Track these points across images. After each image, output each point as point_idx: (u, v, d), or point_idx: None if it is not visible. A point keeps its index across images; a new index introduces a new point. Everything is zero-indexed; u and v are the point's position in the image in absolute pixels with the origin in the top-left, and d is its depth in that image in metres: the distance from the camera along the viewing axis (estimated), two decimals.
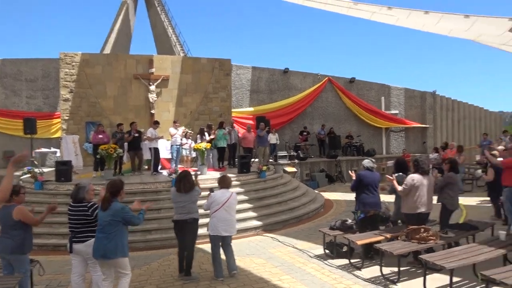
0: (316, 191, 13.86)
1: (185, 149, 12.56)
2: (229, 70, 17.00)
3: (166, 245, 7.84)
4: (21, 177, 11.12)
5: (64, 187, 9.70)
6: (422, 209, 5.95)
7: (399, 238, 6.04)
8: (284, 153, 16.89)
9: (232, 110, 17.22)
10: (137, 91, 15.49)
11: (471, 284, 5.08)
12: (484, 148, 13.44)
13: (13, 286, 4.02)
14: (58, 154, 15.63)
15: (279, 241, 7.97)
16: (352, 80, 20.68)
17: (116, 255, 4.39)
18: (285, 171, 14.75)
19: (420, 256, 5.24)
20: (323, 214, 10.95)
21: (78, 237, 4.64)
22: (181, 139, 12.30)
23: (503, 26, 8.04)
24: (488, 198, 9.85)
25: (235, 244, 6.13)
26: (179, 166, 12.01)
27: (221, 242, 5.83)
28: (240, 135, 15.05)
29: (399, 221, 6.90)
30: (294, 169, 15.73)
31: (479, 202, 11.20)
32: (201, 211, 7.43)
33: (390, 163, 15.97)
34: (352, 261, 6.27)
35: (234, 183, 9.94)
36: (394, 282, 5.33)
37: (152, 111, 15.41)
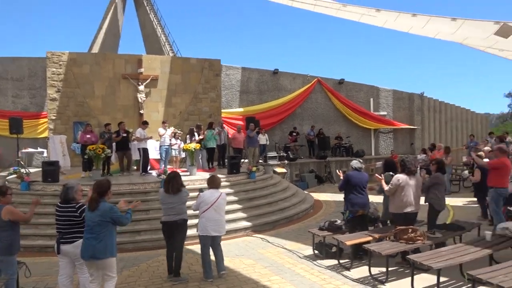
0: (306, 192, 13.90)
1: (174, 149, 12.49)
2: (218, 71, 16.97)
3: (155, 246, 7.79)
4: (7, 178, 10.94)
5: (51, 188, 9.56)
6: (409, 209, 6.02)
7: (387, 238, 6.10)
8: (273, 153, 16.91)
9: (222, 110, 17.20)
10: (126, 91, 15.37)
11: (458, 284, 5.13)
12: (470, 150, 13.65)
13: None
14: (45, 154, 15.44)
15: (269, 242, 7.97)
16: (341, 82, 20.82)
17: (106, 255, 4.36)
18: (275, 172, 14.76)
19: (408, 256, 5.30)
20: (312, 215, 10.99)
21: (66, 238, 4.58)
22: (170, 140, 12.23)
23: (488, 29, 8.18)
24: (475, 199, 9.99)
25: (224, 245, 6.12)
26: (168, 166, 11.94)
27: (211, 242, 5.81)
28: (230, 135, 15.04)
29: (388, 221, 6.96)
30: (284, 170, 15.76)
31: (466, 203, 11.36)
32: (190, 211, 7.42)
33: (379, 164, 16.13)
34: (341, 261, 6.30)
35: (223, 183, 9.91)
36: (382, 282, 5.37)
37: (141, 111, 15.30)
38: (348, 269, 6.03)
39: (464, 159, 13.48)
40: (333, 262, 6.38)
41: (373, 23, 11.81)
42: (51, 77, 14.61)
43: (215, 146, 12.98)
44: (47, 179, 9.86)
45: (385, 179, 6.36)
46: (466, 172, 12.36)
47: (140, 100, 15.24)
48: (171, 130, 12.42)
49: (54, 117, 14.61)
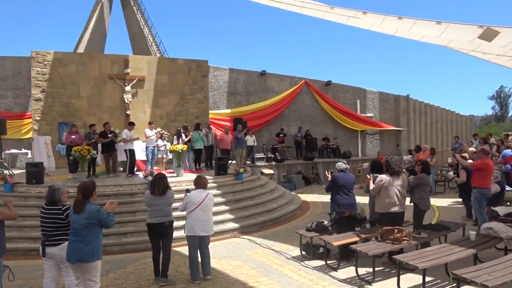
0: (293, 193, 13.94)
1: (161, 150, 12.39)
2: (206, 72, 16.92)
3: (142, 248, 7.69)
4: None
5: (36, 190, 9.38)
6: (394, 209, 6.10)
7: (374, 239, 6.16)
8: (261, 155, 16.93)
9: (209, 111, 17.14)
10: (112, 92, 15.20)
11: (443, 283, 5.20)
12: (455, 151, 13.87)
13: None
14: (29, 156, 15.17)
15: (256, 243, 7.97)
16: (328, 83, 20.95)
17: (93, 258, 4.31)
18: (262, 173, 14.77)
19: (394, 256, 5.35)
20: (300, 216, 11.02)
21: (51, 241, 4.51)
22: (157, 141, 12.14)
23: (472, 33, 8.33)
24: (460, 200, 10.15)
25: (212, 246, 6.08)
26: (154, 168, 11.84)
27: (199, 243, 5.77)
28: (217, 137, 15.00)
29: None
30: (271, 171, 15.78)
31: (451, 203, 11.53)
32: (176, 213, 7.37)
33: (366, 165, 16.28)
34: (328, 262, 6.33)
35: (211, 185, 9.87)
36: (369, 282, 5.41)
37: (128, 112, 15.16)
38: (335, 269, 6.06)
39: (449, 160, 13.69)
40: (321, 262, 6.41)
41: (360, 25, 11.93)
42: (36, 77, 14.37)
43: (202, 147, 12.92)
44: (31, 180, 9.67)
45: (374, 180, 6.44)
46: (451, 173, 12.53)
47: (126, 101, 15.10)
48: (157, 130, 12.31)
49: (38, 118, 14.37)
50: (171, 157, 12.62)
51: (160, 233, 5.75)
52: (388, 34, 12.20)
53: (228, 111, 18.23)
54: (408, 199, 6.53)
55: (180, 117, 15.99)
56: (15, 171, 12.34)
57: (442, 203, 11.61)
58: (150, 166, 11.69)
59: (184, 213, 5.97)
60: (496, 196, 8.07)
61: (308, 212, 11.54)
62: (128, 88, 15.11)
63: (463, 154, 9.55)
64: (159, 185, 5.74)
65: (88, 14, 27.35)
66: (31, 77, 14.52)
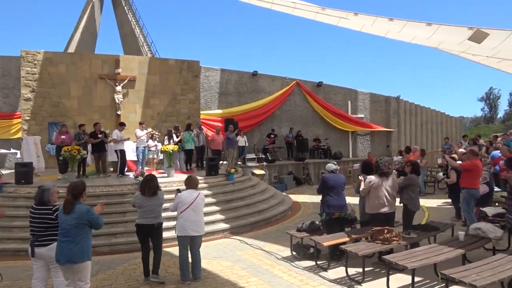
0: (284, 194, 13.96)
1: (151, 151, 12.32)
2: (197, 72, 16.87)
3: (132, 249, 7.63)
4: None
5: (25, 190, 9.27)
6: (384, 209, 6.14)
7: (364, 239, 6.19)
8: (252, 155, 16.92)
9: (201, 112, 17.09)
10: (103, 92, 15.08)
11: (432, 283, 5.25)
12: (444, 152, 14.01)
13: None
14: (18, 156, 14.99)
15: (247, 244, 7.96)
16: (319, 84, 21.02)
17: (83, 259, 4.27)
18: (253, 174, 14.77)
19: (383, 256, 5.38)
20: (291, 216, 11.03)
21: (40, 241, 4.46)
22: (147, 141, 12.07)
23: (462, 35, 8.42)
24: (449, 200, 10.25)
25: (202, 247, 6.06)
26: (145, 168, 11.77)
27: (190, 243, 5.74)
28: (208, 137, 14.97)
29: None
30: (262, 172, 15.78)
31: (440, 204, 11.64)
32: (167, 214, 7.34)
33: (356, 165, 16.36)
34: (318, 262, 6.34)
35: (202, 185, 9.85)
36: (359, 283, 5.43)
37: (118, 112, 15.05)
38: (325, 270, 6.07)
39: (439, 161, 13.82)
40: (311, 263, 6.42)
41: (351, 27, 12.00)
42: (26, 77, 14.20)
43: (193, 148, 12.87)
44: (20, 181, 9.55)
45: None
46: (441, 174, 12.68)
47: (117, 101, 14.99)
48: (147, 131, 12.25)
49: (28, 118, 14.20)
50: (162, 157, 12.56)
51: (149, 234, 5.73)
52: (379, 36, 12.29)
53: (220, 111, 18.20)
54: (398, 200, 6.58)
55: (171, 117, 15.92)
56: (4, 171, 12.18)
57: (432, 203, 11.71)
58: (140, 167, 11.62)
59: (175, 213, 5.95)
60: (485, 196, 8.17)
61: (299, 212, 11.56)
62: (119, 88, 15.00)
63: (453, 155, 9.66)
64: (149, 186, 5.71)
65: (79, 14, 27.14)
66: (20, 77, 14.34)
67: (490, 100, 63.05)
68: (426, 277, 5.34)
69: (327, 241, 6.10)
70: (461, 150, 10.91)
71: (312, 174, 18.19)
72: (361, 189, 6.33)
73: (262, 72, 19.73)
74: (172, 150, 11.42)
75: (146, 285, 5.69)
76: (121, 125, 11.75)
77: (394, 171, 12.45)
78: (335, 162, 7.17)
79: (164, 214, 6.31)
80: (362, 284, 5.40)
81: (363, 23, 10.87)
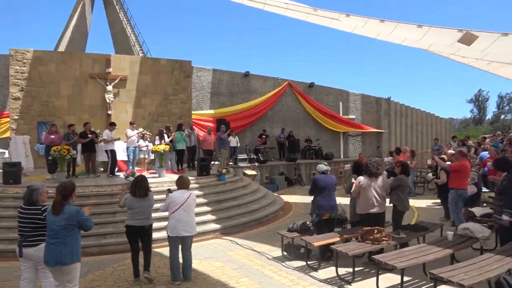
0: (276, 194, 13.97)
1: (142, 151, 12.25)
2: (189, 72, 16.83)
3: (122, 250, 7.56)
4: None
5: (13, 190, 9.14)
6: (373, 210, 6.19)
7: (354, 239, 6.22)
8: (244, 156, 16.92)
9: (192, 112, 17.05)
10: (93, 91, 14.97)
11: (421, 283, 5.29)
12: (434, 153, 14.16)
13: None
14: (6, 155, 14.75)
15: (238, 244, 7.95)
16: (311, 85, 21.10)
17: (73, 260, 4.22)
18: (245, 174, 14.77)
19: (373, 256, 5.41)
20: (282, 217, 11.05)
21: (29, 241, 4.40)
22: (138, 141, 11.99)
23: (452, 37, 8.51)
24: (438, 201, 10.35)
25: (193, 247, 6.02)
26: (136, 168, 11.70)
27: (181, 244, 5.72)
28: (200, 137, 14.93)
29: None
30: (254, 172, 15.79)
31: (430, 205, 11.75)
32: (158, 214, 7.30)
33: (347, 166, 16.46)
34: (309, 262, 6.36)
35: (193, 185, 9.82)
36: (349, 282, 5.46)
37: (109, 112, 14.95)
38: (315, 270, 6.09)
39: (429, 162, 13.95)
40: (302, 263, 6.43)
41: (343, 28, 12.05)
42: (14, 76, 14.04)
43: (184, 148, 12.83)
44: (8, 181, 9.42)
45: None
46: (430, 174, 12.80)
47: (108, 101, 14.89)
48: (138, 131, 12.17)
49: (16, 117, 14.04)
50: (153, 157, 12.49)
51: (139, 236, 5.71)
52: (371, 37, 12.38)
53: (211, 111, 18.17)
54: (388, 200, 6.63)
55: (163, 117, 15.87)
56: None
57: (421, 204, 11.82)
58: (131, 167, 11.55)
59: (166, 213, 5.92)
60: (473, 197, 8.26)
61: (290, 213, 11.58)
62: (109, 87, 14.90)
63: (442, 156, 9.76)
64: (140, 187, 5.68)
65: (70, 13, 26.91)
66: (9, 76, 14.17)
67: (479, 102, 63.82)
68: (415, 277, 5.38)
69: (318, 241, 6.12)
70: (451, 151, 11.03)
71: (303, 175, 18.26)
72: (352, 189, 6.37)
73: (254, 72, 19.78)
74: (163, 150, 11.36)
75: (136, 286, 5.65)
76: (112, 125, 11.67)
77: (384, 171, 12.62)
78: (326, 163, 7.19)
79: (154, 215, 6.27)
80: (352, 284, 5.43)
81: (355, 25, 10.94)
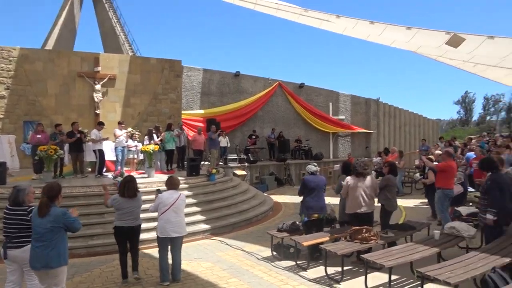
0: (265, 194, 13.99)
1: (131, 151, 12.15)
2: (179, 72, 16.76)
3: (110, 251, 7.49)
4: None
5: None
6: (361, 209, 6.25)
7: (343, 238, 6.27)
8: (234, 156, 16.90)
9: (182, 112, 16.97)
10: (81, 90, 14.80)
11: (408, 281, 5.36)
12: (421, 153, 14.32)
13: None
14: None
15: (228, 244, 7.94)
16: (301, 86, 21.17)
17: (60, 264, 4.13)
18: (234, 174, 14.76)
19: (361, 255, 5.46)
20: (272, 217, 11.06)
21: (14, 243, 4.31)
22: (127, 141, 11.89)
23: (440, 39, 8.63)
24: (426, 200, 10.47)
25: (183, 248, 5.99)
26: (125, 168, 11.60)
27: (170, 244, 5.70)
28: (189, 137, 14.87)
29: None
30: (244, 172, 15.78)
31: (417, 204, 11.88)
32: (146, 215, 7.26)
33: (337, 166, 16.55)
34: (298, 262, 6.38)
35: (183, 186, 9.76)
36: (338, 282, 5.50)
37: (97, 111, 14.79)
38: (305, 269, 6.12)
39: (416, 162, 14.11)
40: (291, 263, 6.46)
41: (333, 30, 12.13)
42: (0, 74, 13.80)
43: (174, 148, 12.76)
44: None
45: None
46: (418, 174, 12.95)
47: (96, 100, 14.73)
48: (127, 131, 12.07)
49: (2, 116, 13.81)
50: (143, 157, 12.40)
51: (128, 236, 5.67)
52: (361, 39, 12.48)
53: (202, 111, 18.10)
54: (377, 200, 6.69)
55: (152, 117, 15.76)
56: None
57: (409, 203, 11.95)
58: (119, 167, 11.45)
59: (154, 214, 5.89)
60: (460, 196, 8.39)
61: (280, 213, 11.60)
62: (98, 86, 14.75)
63: (429, 156, 9.88)
64: (129, 187, 5.64)
65: (58, 10, 26.58)
66: None
67: (466, 103, 64.85)
68: (403, 275, 5.45)
69: (307, 240, 6.15)
70: (438, 151, 11.17)
71: (293, 175, 18.31)
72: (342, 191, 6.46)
73: (245, 72, 19.77)
74: (152, 150, 11.28)
75: (124, 287, 5.60)
76: (100, 125, 11.55)
77: (373, 172, 12.72)
78: (315, 164, 7.23)
79: (143, 215, 6.23)
80: (341, 283, 5.46)
81: (345, 26, 11.02)
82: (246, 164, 16.76)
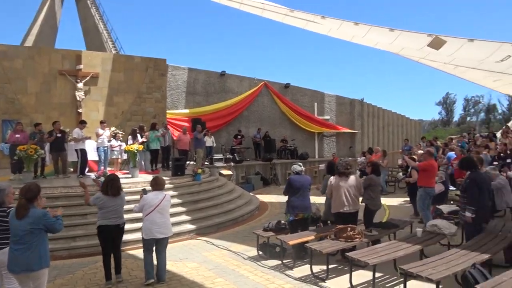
0: (251, 194, 13.99)
1: (115, 150, 11.97)
2: (164, 71, 16.61)
3: (93, 252, 7.36)
4: None
5: None
6: (344, 208, 6.32)
7: (328, 237, 6.32)
8: (220, 156, 16.85)
9: (167, 111, 16.82)
10: (63, 88, 14.50)
11: (392, 278, 5.44)
12: (404, 153, 14.56)
13: None
14: None
15: (214, 244, 7.91)
16: (287, 86, 21.25)
17: (41, 266, 4.02)
18: (220, 174, 14.70)
19: (346, 253, 5.51)
20: (258, 216, 11.08)
21: None
22: (109, 141, 11.72)
23: (422, 41, 8.79)
24: (409, 199, 10.65)
25: (168, 248, 5.93)
26: (108, 168, 11.42)
27: (156, 245, 5.64)
28: (174, 137, 14.75)
29: (329, 221, 7.19)
30: (229, 172, 15.73)
31: (400, 203, 12.08)
32: (132, 215, 7.17)
33: (322, 166, 16.68)
34: (284, 261, 6.41)
35: (168, 186, 9.67)
36: (323, 280, 5.54)
37: (79, 110, 14.52)
38: (291, 268, 6.15)
39: (399, 162, 14.34)
40: (277, 262, 6.48)
41: (318, 31, 12.22)
42: None
43: (158, 148, 12.63)
44: None
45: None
46: (401, 174, 13.16)
47: (78, 98, 14.46)
48: (110, 130, 11.90)
49: None
50: (126, 157, 12.23)
51: (112, 235, 5.58)
52: (345, 40, 12.60)
53: (187, 111, 17.97)
54: (361, 199, 6.77)
55: (137, 116, 15.57)
56: None
57: (393, 202, 12.13)
58: (102, 167, 11.28)
59: (139, 215, 5.82)
60: (441, 195, 8.56)
61: (266, 212, 11.63)
62: (80, 85, 14.48)
63: (412, 156, 10.05)
64: (113, 185, 5.57)
65: (38, 6, 26.02)
66: None
67: (447, 104, 66.11)
68: (387, 273, 5.53)
69: (292, 240, 6.18)
70: (420, 151, 11.36)
71: (279, 174, 18.37)
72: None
73: (230, 72, 19.71)
74: (136, 150, 11.14)
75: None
76: (82, 123, 11.36)
77: (357, 171, 12.85)
78: (300, 164, 7.28)
79: (126, 216, 6.16)
80: (326, 281, 5.51)
81: (330, 27, 11.11)
82: (232, 164, 16.72)
